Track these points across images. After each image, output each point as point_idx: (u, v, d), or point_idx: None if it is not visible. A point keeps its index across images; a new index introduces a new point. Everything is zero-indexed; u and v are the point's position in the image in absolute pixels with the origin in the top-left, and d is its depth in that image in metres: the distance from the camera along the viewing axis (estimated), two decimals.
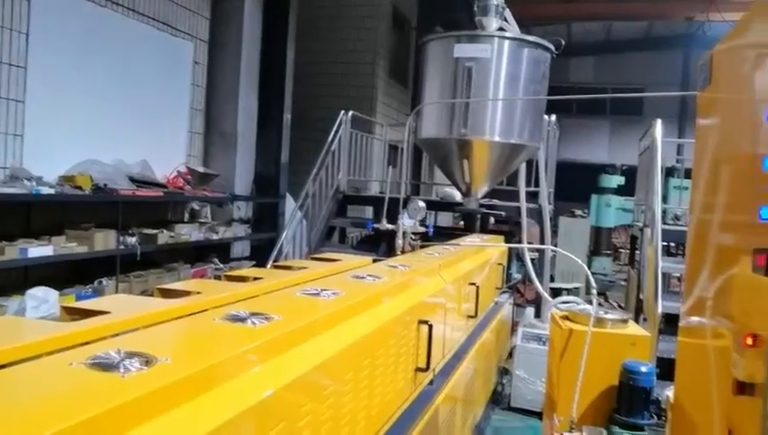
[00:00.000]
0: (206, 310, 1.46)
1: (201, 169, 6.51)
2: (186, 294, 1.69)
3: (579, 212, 11.42)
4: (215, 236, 6.33)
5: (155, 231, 5.45)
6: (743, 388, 1.25)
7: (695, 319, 1.79)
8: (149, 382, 0.92)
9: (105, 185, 4.92)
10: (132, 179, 5.38)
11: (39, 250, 4.29)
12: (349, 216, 6.56)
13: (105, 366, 0.95)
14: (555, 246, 8.53)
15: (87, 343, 1.09)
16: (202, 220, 6.57)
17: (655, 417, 2.65)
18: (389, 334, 1.96)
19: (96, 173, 4.99)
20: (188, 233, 5.87)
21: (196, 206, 6.54)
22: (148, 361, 0.99)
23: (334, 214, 6.19)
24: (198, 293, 1.70)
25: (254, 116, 7.65)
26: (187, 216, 6.47)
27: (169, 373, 0.97)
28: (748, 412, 1.22)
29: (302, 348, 1.39)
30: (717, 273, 1.57)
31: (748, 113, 1.38)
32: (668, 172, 7.48)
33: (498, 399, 4.57)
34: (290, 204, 7.51)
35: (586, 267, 3.27)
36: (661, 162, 4.73)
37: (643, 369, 2.72)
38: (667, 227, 5.34)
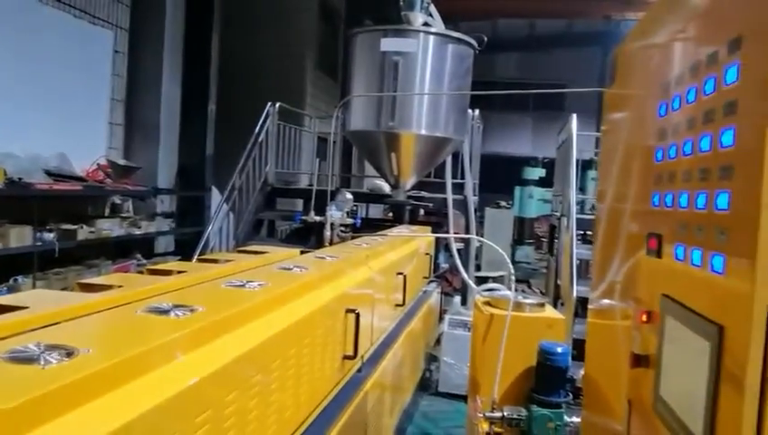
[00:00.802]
0: (128, 303, 1.45)
1: (122, 162, 6.29)
2: (107, 287, 1.66)
3: (503, 203, 11.82)
4: (137, 231, 6.14)
5: (74, 226, 5.23)
6: (638, 360, 1.37)
7: (601, 300, 1.93)
8: (71, 373, 0.92)
9: (20, 179, 4.68)
10: (49, 173, 5.14)
11: None
12: (278, 209, 6.53)
13: (24, 359, 0.94)
14: (481, 236, 8.81)
15: (4, 338, 1.07)
16: (124, 215, 6.35)
17: (571, 395, 2.81)
18: (316, 324, 1.99)
19: (10, 167, 4.74)
20: (110, 228, 5.67)
21: (117, 200, 6.31)
22: (69, 353, 0.99)
23: (262, 207, 6.14)
24: (120, 286, 1.67)
25: (178, 107, 7.46)
26: (108, 210, 6.24)
27: (92, 364, 0.97)
28: (643, 383, 1.34)
29: (226, 338, 1.41)
30: (619, 257, 1.70)
31: (644, 109, 1.51)
32: (587, 165, 7.86)
33: (427, 384, 4.69)
34: (216, 197, 7.37)
35: (506, 255, 3.42)
36: (578, 155, 4.99)
37: (559, 350, 2.89)
38: (584, 216, 5.64)
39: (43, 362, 0.93)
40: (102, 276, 1.72)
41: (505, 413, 2.87)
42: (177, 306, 1.39)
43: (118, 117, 6.89)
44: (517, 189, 12.65)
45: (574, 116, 4.69)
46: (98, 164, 6.16)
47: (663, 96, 1.34)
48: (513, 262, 11.63)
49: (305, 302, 1.96)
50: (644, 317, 1.37)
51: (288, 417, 1.77)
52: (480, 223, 11.23)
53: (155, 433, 1.06)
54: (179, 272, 2.01)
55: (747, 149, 0.91)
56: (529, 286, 10.04)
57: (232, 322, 1.46)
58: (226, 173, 6.44)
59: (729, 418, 0.90)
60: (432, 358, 5.02)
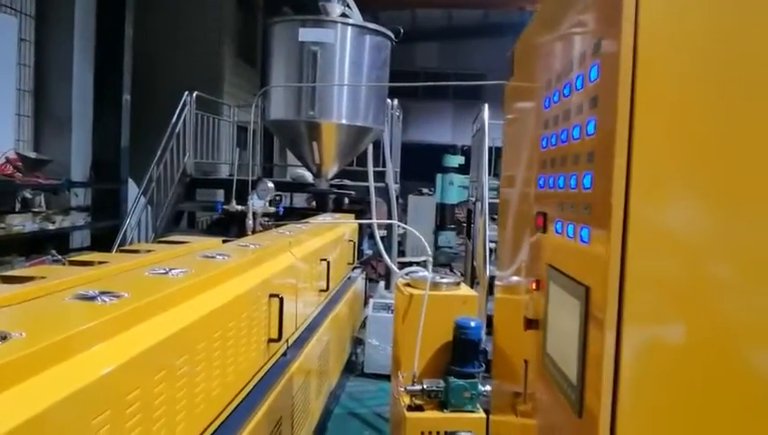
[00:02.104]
0: (55, 292, 1.49)
1: (33, 155, 6.01)
2: (30, 279, 1.68)
3: (425, 190, 12.11)
4: (51, 226, 5.91)
5: None
6: (530, 323, 1.55)
7: (504, 276, 2.12)
8: (7, 355, 0.98)
9: None
10: None
11: None
12: (198, 200, 6.45)
13: None
14: (405, 223, 9.02)
15: None
16: (36, 210, 6.08)
17: (484, 366, 3.02)
18: (240, 308, 2.08)
19: None
20: (21, 223, 5.43)
21: (28, 194, 6.03)
22: (3, 337, 1.04)
23: (182, 198, 6.06)
24: (43, 277, 1.69)
25: (90, 97, 7.17)
26: (18, 205, 5.95)
27: (24, 346, 1.03)
28: (534, 343, 1.52)
29: (152, 322, 1.48)
30: (517, 236, 1.89)
31: (533, 101, 1.68)
32: (500, 152, 8.19)
33: (353, 366, 4.84)
34: (133, 190, 7.18)
35: (423, 238, 3.59)
36: (491, 143, 5.25)
37: (472, 324, 3.09)
38: (497, 200, 5.92)
39: None
40: (23, 269, 1.71)
41: (425, 386, 3.06)
42: (103, 293, 1.44)
43: (26, 108, 6.56)
44: (438, 177, 12.98)
45: (486, 106, 4.94)
46: (6, 157, 5.87)
47: (547, 90, 1.52)
48: (436, 247, 11.99)
49: (228, 287, 2.04)
50: (534, 285, 1.55)
51: (215, 397, 1.85)
52: (404, 210, 11.48)
53: (85, 411, 1.13)
54: (101, 262, 2.03)
55: (604, 138, 1.08)
56: (451, 270, 10.37)
57: (157, 306, 1.53)
58: (143, 165, 6.29)
59: (594, 357, 1.07)
60: (358, 341, 5.16)
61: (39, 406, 0.96)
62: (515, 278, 1.91)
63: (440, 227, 12.84)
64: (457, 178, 12.81)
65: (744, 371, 1.03)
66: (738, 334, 1.02)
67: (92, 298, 1.40)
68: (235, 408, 2.12)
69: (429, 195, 12.15)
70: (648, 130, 1.01)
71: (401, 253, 8.90)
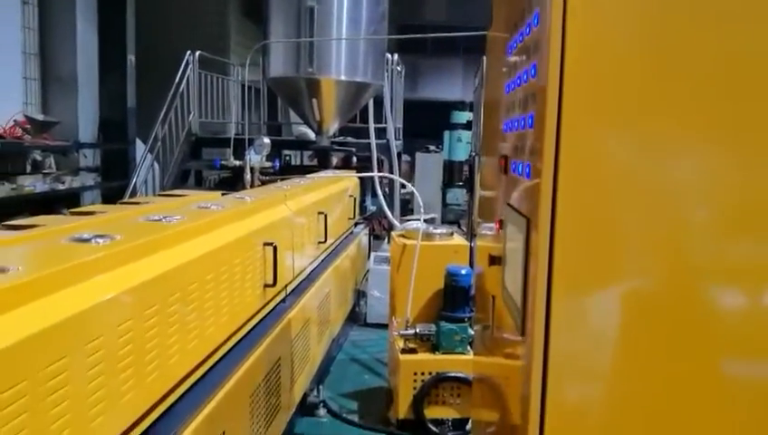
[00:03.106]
0: (52, 237, 1.62)
1: (41, 117, 6.14)
2: (32, 226, 1.82)
3: (432, 148, 12.10)
4: (61, 187, 6.08)
5: None
6: (493, 260, 1.66)
7: (479, 220, 2.22)
8: (6, 282, 1.11)
9: None
10: None
11: None
12: (204, 158, 6.58)
13: None
14: (412, 181, 9.09)
15: None
16: (46, 171, 6.25)
17: (473, 311, 3.15)
18: (233, 254, 2.20)
19: None
20: (32, 184, 5.60)
21: (38, 156, 6.19)
22: (2, 270, 1.17)
23: (188, 157, 6.18)
24: (43, 225, 1.83)
25: (95, 58, 7.25)
26: (29, 167, 6.12)
27: (21, 276, 1.16)
28: (496, 277, 1.63)
29: (144, 261, 1.60)
30: (489, 181, 1.99)
31: (501, 49, 1.75)
32: None
33: (356, 317, 5.01)
34: (140, 150, 7.31)
35: (416, 192, 3.70)
36: None
37: (463, 271, 3.23)
38: None
39: None
40: (25, 218, 1.84)
41: (418, 330, 3.22)
42: (97, 235, 1.57)
43: (32, 71, 6.66)
44: (446, 133, 12.92)
45: (484, 59, 4.93)
46: (15, 120, 6.01)
47: (510, 37, 1.59)
48: (444, 205, 12.03)
49: (222, 234, 2.16)
50: (497, 225, 1.66)
51: (209, 335, 2.00)
52: (412, 168, 11.52)
53: (80, 335, 1.26)
54: (101, 212, 2.16)
55: (541, 78, 1.17)
56: (459, 227, 10.47)
57: (149, 248, 1.65)
58: (150, 125, 6.40)
59: (531, 282, 1.18)
60: (362, 293, 5.32)
61: (34, 328, 1.09)
62: (487, 224, 2.01)
63: (448, 184, 12.86)
64: (465, 135, 12.73)
65: (663, 281, 1.13)
66: (656, 251, 1.13)
67: (87, 240, 1.53)
68: (233, 346, 2.28)
69: (437, 152, 12.14)
70: (577, 71, 1.10)
71: (409, 211, 8.99)
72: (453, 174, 13.09)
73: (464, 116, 12.94)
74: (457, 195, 13.07)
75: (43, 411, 1.11)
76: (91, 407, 1.28)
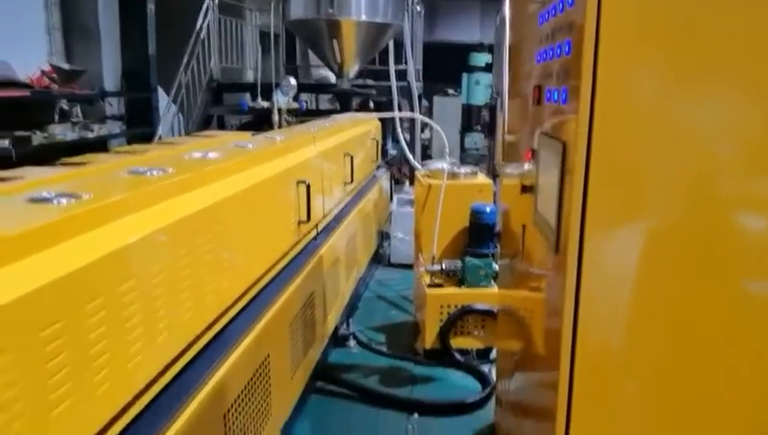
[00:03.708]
0: (110, 171, 1.72)
1: (66, 67, 6.20)
2: (84, 163, 1.92)
3: (451, 91, 11.99)
4: (90, 135, 6.19)
5: (27, 133, 5.27)
6: (525, 189, 1.74)
7: (503, 163, 2.28)
8: (75, 208, 1.21)
9: None
10: None
11: None
12: (225, 104, 6.62)
13: None
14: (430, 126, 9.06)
15: None
16: (74, 120, 6.35)
17: (498, 247, 3.25)
18: (272, 189, 2.30)
19: None
20: (62, 133, 5.71)
21: (65, 105, 6.28)
22: (76, 196, 1.27)
23: (210, 103, 6.24)
24: (94, 162, 1.93)
25: (116, 7, 7.23)
26: (57, 116, 6.22)
27: (92, 202, 1.27)
28: (529, 206, 1.71)
29: (191, 194, 1.70)
30: (517, 115, 2.04)
31: None
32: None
33: (380, 258, 5.15)
34: (163, 98, 7.37)
35: (440, 130, 3.74)
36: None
37: (487, 209, 3.31)
38: None
39: None
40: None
41: (444, 266, 3.34)
42: (152, 168, 1.66)
43: (55, 21, 6.68)
44: (464, 76, 12.75)
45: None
46: (42, 70, 6.07)
47: None
48: (463, 149, 11.99)
49: (259, 171, 2.26)
50: (529, 155, 1.73)
51: (254, 265, 2.12)
52: (429, 112, 11.45)
53: (149, 259, 1.38)
54: (143, 151, 2.26)
55: (579, 10, 1.21)
56: (489, 175, 10.46)
57: (198, 181, 1.75)
58: (171, 73, 6.44)
59: (568, 200, 1.26)
60: (385, 235, 5.44)
61: (83, 260, 1.16)
62: (512, 164, 2.08)
63: (466, 128, 12.78)
64: (484, 78, 12.56)
65: (693, 204, 1.21)
66: (690, 179, 1.20)
67: (143, 173, 1.63)
68: (272, 279, 2.41)
69: (455, 96, 12.03)
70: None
71: (428, 156, 9.02)
72: (471, 118, 12.99)
73: (483, 58, 12.73)
74: (476, 139, 13.01)
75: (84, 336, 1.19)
76: (131, 344, 1.30)
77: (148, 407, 1.43)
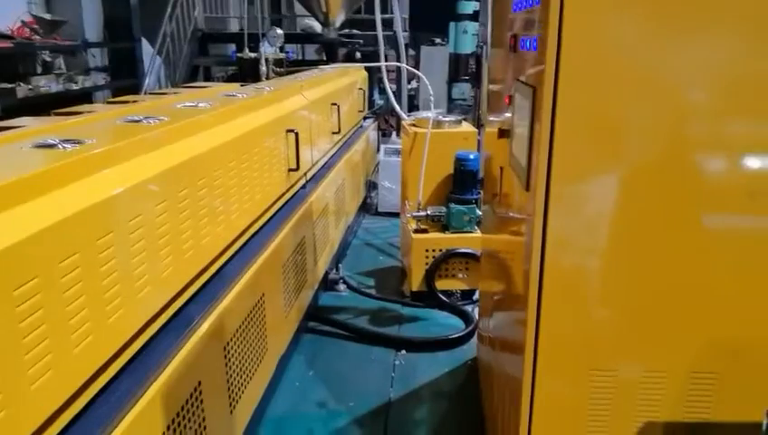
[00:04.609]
0: (106, 119, 1.80)
1: (48, 17, 6.12)
2: (78, 113, 2.00)
3: (438, 41, 11.87)
4: (74, 87, 6.16)
5: (11, 85, 5.26)
6: (502, 133, 1.85)
7: (487, 114, 2.38)
8: (81, 152, 1.31)
9: None
10: None
11: None
12: (211, 54, 6.59)
13: None
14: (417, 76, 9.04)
15: None
16: (57, 72, 6.31)
17: (481, 193, 3.37)
18: (261, 137, 2.39)
19: None
20: (47, 85, 5.69)
21: (47, 57, 6.22)
22: (78, 142, 1.37)
23: (196, 53, 6.20)
24: (91, 112, 2.00)
25: None
26: (39, 68, 6.17)
27: (95, 146, 1.36)
28: (504, 148, 1.83)
29: (187, 141, 1.80)
30: (499, 64, 2.13)
31: None
32: None
33: (368, 207, 5.27)
34: (147, 48, 7.30)
35: (424, 77, 3.80)
36: None
37: (471, 156, 3.42)
38: None
39: None
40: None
41: (429, 212, 3.46)
42: (148, 117, 1.75)
43: None
44: (451, 25, 12.60)
45: None
46: (22, 21, 5.99)
47: None
48: (450, 100, 11.97)
49: (250, 120, 2.34)
50: (507, 100, 1.83)
51: (247, 209, 2.23)
52: (416, 63, 11.36)
53: (126, 210, 1.48)
54: (134, 102, 2.33)
55: None
56: (465, 120, 10.50)
57: (191, 128, 1.84)
58: (155, 22, 6.37)
59: (537, 141, 1.37)
60: (373, 185, 5.55)
61: (96, 198, 1.27)
62: (495, 99, 2.17)
63: (454, 78, 12.74)
64: (471, 26, 12.44)
65: (654, 145, 1.33)
66: (652, 122, 1.31)
67: (139, 121, 1.72)
68: (264, 224, 2.53)
69: (442, 45, 11.93)
70: None
71: (415, 108, 9.02)
72: (459, 68, 12.92)
73: (470, 6, 12.58)
74: (463, 89, 12.96)
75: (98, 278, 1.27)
76: (137, 278, 1.41)
77: (155, 336, 1.57)
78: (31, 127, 1.81)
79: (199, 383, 1.70)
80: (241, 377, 2.07)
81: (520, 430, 1.53)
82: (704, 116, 1.31)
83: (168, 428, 1.51)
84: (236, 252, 2.19)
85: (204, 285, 1.91)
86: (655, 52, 1.27)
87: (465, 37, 13.02)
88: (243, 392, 2.09)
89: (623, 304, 1.42)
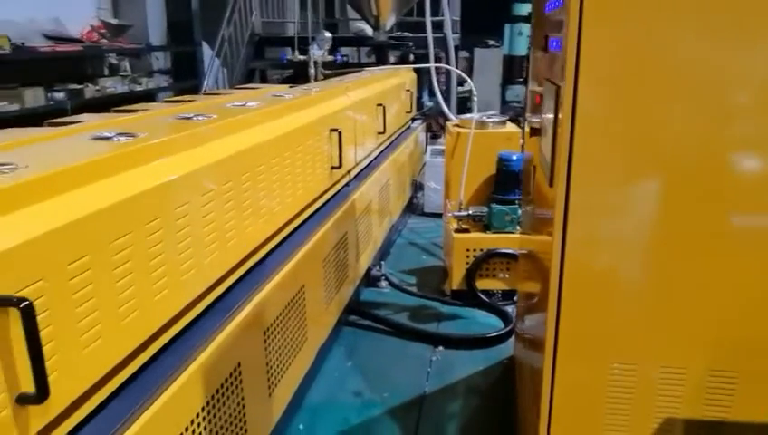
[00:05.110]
0: (159, 116, 1.95)
1: (115, 21, 6.48)
2: (133, 111, 2.16)
3: (492, 42, 11.83)
4: (139, 88, 6.51)
5: (80, 86, 5.61)
6: (534, 131, 1.89)
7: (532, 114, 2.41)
8: (124, 147, 1.44)
9: (23, 43, 4.98)
10: (47, 37, 5.41)
11: None
12: (267, 57, 6.82)
13: None
14: (470, 77, 9.05)
15: None
16: (122, 73, 6.67)
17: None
18: (305, 136, 2.50)
19: (10, 32, 5.02)
20: (113, 86, 6.03)
21: (113, 59, 6.59)
22: (131, 134, 1.50)
23: (252, 57, 6.43)
24: (146, 109, 2.16)
25: None
26: (106, 70, 6.55)
27: (139, 142, 1.49)
28: (536, 146, 1.87)
29: (233, 137, 1.92)
30: (533, 61, 2.17)
31: None
32: None
33: (414, 208, 5.34)
34: (206, 51, 7.61)
35: (469, 80, 3.84)
36: None
37: (514, 157, 3.45)
38: None
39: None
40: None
41: (470, 211, 3.50)
42: (198, 114, 1.88)
43: None
44: (506, 27, 12.50)
45: None
46: (91, 25, 6.37)
47: None
48: (504, 102, 11.90)
49: (295, 119, 2.46)
50: (537, 100, 1.87)
51: (290, 204, 2.35)
52: (470, 65, 11.35)
53: (174, 198, 1.60)
54: (189, 101, 2.48)
55: None
56: (518, 125, 10.42)
57: (234, 127, 1.96)
58: (214, 27, 6.64)
59: (560, 141, 1.41)
60: (419, 186, 5.62)
61: (146, 185, 1.40)
62: (532, 111, 2.21)
63: (508, 80, 12.66)
64: (526, 28, 12.33)
65: (673, 140, 1.35)
66: (670, 118, 1.34)
67: (189, 118, 1.85)
68: (307, 219, 2.64)
69: (496, 47, 11.88)
70: None
71: (467, 110, 9.01)
72: (513, 70, 12.83)
73: (525, 8, 12.49)
74: (517, 91, 12.85)
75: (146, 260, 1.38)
76: (182, 261, 1.53)
77: (198, 318, 1.69)
78: (90, 122, 1.97)
79: (239, 364, 1.81)
80: (280, 363, 2.18)
81: (540, 422, 1.58)
82: (730, 115, 1.33)
83: (208, 403, 1.62)
84: (278, 244, 2.31)
85: (246, 274, 2.03)
86: (671, 48, 1.30)
87: (520, 39, 12.88)
88: (281, 377, 2.20)
89: (643, 298, 1.44)
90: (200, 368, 1.57)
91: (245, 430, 1.88)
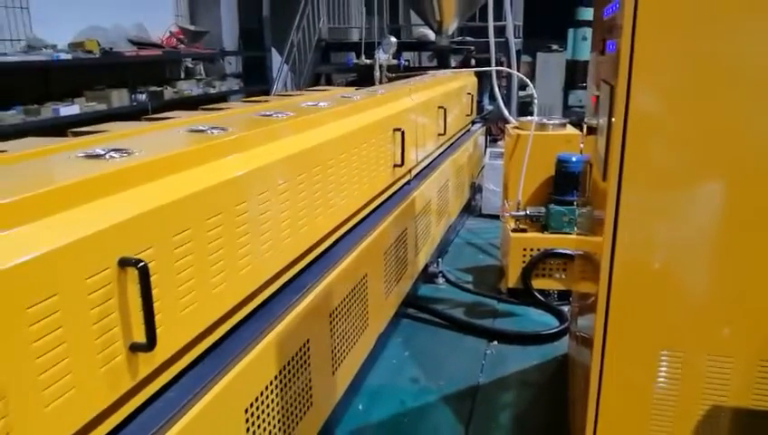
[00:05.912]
0: (237, 114, 2.14)
1: (192, 28, 6.88)
2: (220, 109, 2.37)
3: (555, 47, 11.73)
4: (212, 91, 6.87)
5: (160, 88, 5.99)
6: (590, 131, 1.97)
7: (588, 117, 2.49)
8: (194, 143, 1.62)
9: (111, 48, 5.39)
10: (132, 42, 5.82)
11: (68, 109, 4.90)
12: (333, 63, 7.06)
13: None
14: (533, 82, 9.04)
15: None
16: (198, 77, 7.05)
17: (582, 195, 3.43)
18: (370, 134, 2.66)
19: (99, 38, 5.43)
20: (189, 88, 6.41)
21: (190, 64, 6.99)
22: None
23: (319, 62, 6.69)
24: (230, 108, 2.37)
25: None
26: (182, 73, 6.95)
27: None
28: (594, 145, 1.95)
29: (308, 133, 2.09)
30: (592, 64, 2.25)
31: None
32: None
33: (472, 209, 5.43)
34: (275, 58, 7.93)
35: (530, 83, 3.91)
36: None
37: (573, 159, 3.50)
38: None
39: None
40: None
41: (528, 212, 3.58)
42: (277, 112, 2.07)
43: None
44: (570, 32, 12.38)
45: None
46: (170, 31, 6.79)
47: None
48: (566, 106, 11.77)
49: (361, 118, 2.62)
50: (593, 100, 1.95)
51: (357, 195, 2.51)
52: (532, 70, 11.32)
53: (251, 188, 1.78)
54: (264, 101, 2.68)
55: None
56: (581, 130, 10.30)
57: (309, 124, 2.14)
58: (283, 33, 6.93)
59: (613, 137, 1.51)
60: (478, 188, 5.70)
61: (234, 173, 1.57)
62: (590, 111, 2.28)
63: (570, 85, 12.50)
64: (590, 33, 12.18)
65: (722, 140, 1.42)
66: (720, 119, 1.41)
67: (270, 115, 2.03)
68: (370, 213, 2.80)
69: (559, 51, 11.77)
70: None
71: (529, 114, 9.00)
72: (576, 74, 12.67)
73: (589, 12, 12.31)
74: (580, 96, 12.69)
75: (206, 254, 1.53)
76: (262, 242, 1.73)
77: (273, 295, 1.87)
78: (182, 118, 2.19)
79: (308, 341, 1.98)
80: (343, 344, 2.34)
81: (588, 409, 1.66)
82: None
83: (281, 372, 1.79)
84: (344, 235, 2.47)
85: (314, 260, 2.20)
86: (735, 52, 1.37)
87: (584, 44, 12.74)
88: (344, 359, 2.36)
89: (692, 288, 1.51)
90: (274, 339, 1.73)
91: (311, 404, 2.04)
